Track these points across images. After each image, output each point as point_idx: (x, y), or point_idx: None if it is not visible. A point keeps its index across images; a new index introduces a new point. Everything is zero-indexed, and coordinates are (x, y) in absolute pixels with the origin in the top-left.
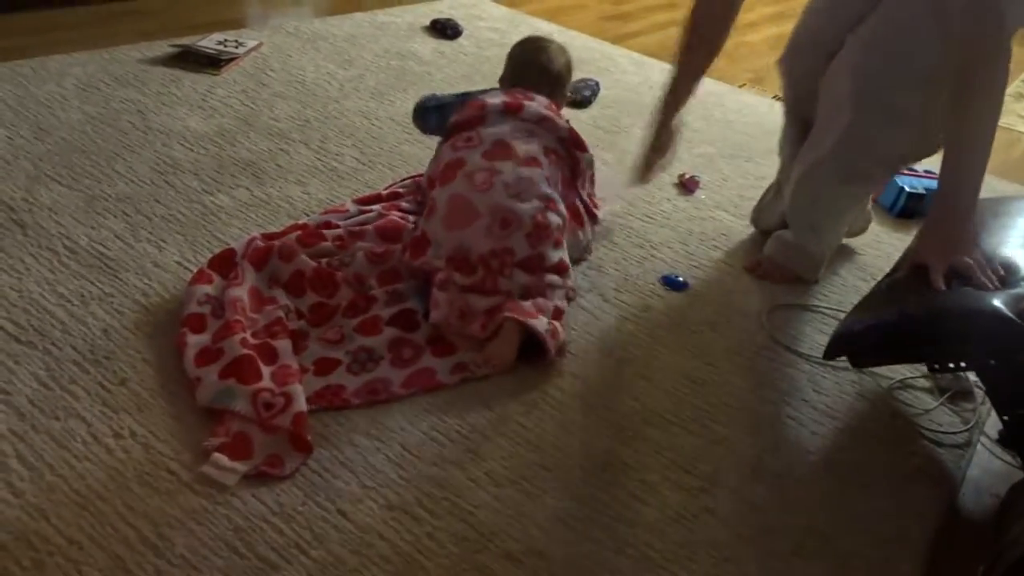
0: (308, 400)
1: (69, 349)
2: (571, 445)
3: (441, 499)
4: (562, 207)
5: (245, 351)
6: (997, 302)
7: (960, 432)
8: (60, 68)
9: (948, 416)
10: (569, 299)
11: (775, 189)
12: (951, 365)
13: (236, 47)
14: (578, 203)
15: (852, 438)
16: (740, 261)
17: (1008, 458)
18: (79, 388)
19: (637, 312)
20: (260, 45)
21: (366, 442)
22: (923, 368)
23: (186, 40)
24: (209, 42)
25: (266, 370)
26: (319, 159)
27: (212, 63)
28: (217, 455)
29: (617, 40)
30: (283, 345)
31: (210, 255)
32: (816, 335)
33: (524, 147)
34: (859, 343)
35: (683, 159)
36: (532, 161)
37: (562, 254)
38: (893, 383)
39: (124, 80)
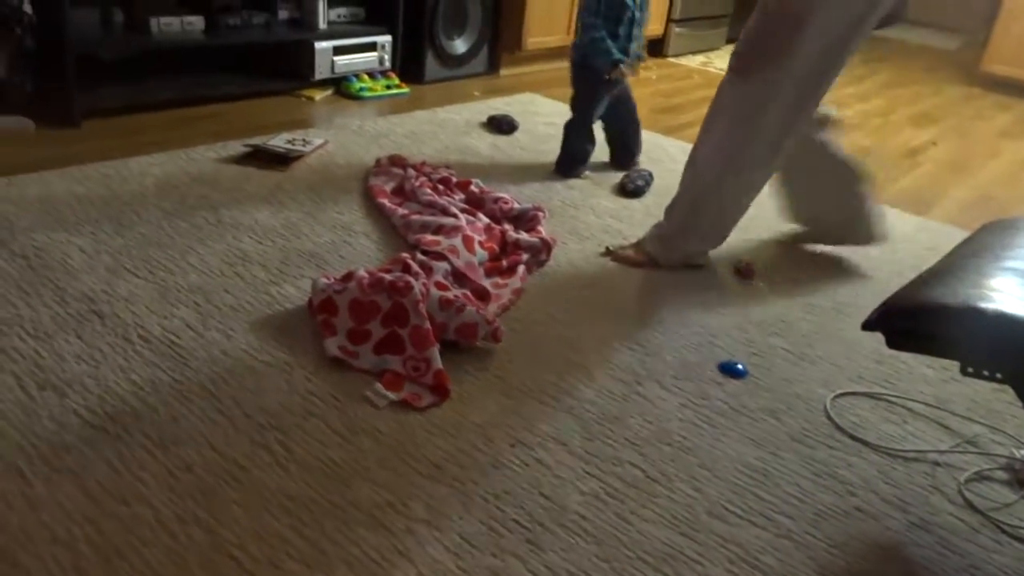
0: (457, 333)
1: (139, 435)
2: (631, 537)
3: None
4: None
5: (386, 331)
6: None
7: None
8: (141, 168)
9: None
10: None
11: None
12: (985, 373)
13: (304, 145)
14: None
15: (927, 533)
16: (800, 347)
17: None
18: (147, 474)
19: (696, 399)
20: (326, 143)
21: (424, 531)
22: (1000, 460)
23: (257, 139)
24: (279, 141)
25: (404, 334)
26: (380, 250)
27: (281, 160)
28: (377, 385)
29: (668, 132)
30: (410, 300)
31: (275, 343)
32: (882, 424)
33: None
34: (907, 323)
35: (738, 247)
36: None
37: None
38: (968, 475)
39: (199, 178)
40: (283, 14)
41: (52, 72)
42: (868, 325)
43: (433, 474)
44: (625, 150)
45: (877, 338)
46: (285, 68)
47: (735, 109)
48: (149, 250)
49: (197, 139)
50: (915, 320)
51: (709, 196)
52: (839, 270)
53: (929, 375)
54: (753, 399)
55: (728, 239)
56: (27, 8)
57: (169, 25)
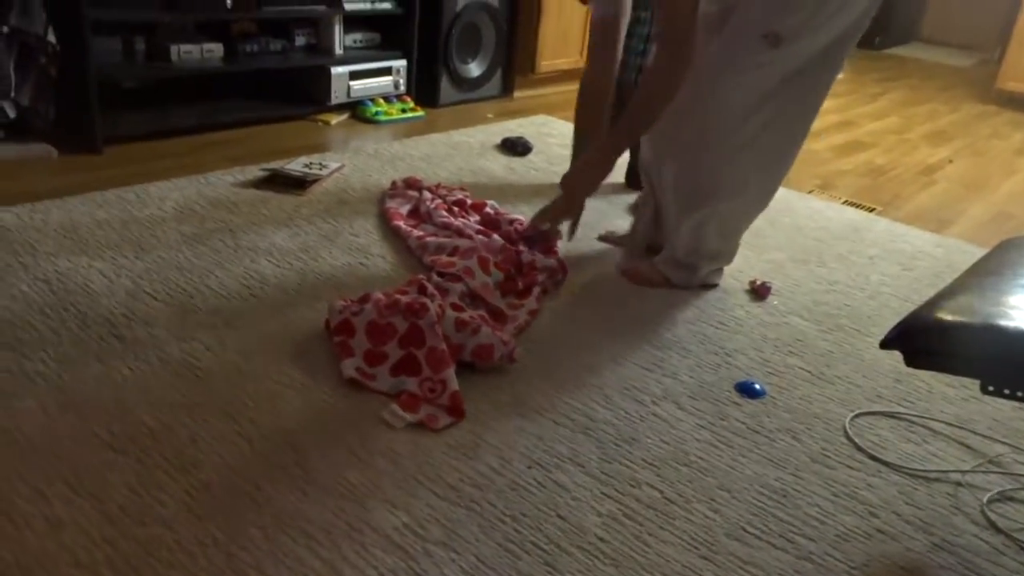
0: (473, 354)
1: (158, 456)
2: (649, 559)
3: None
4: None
5: (403, 352)
6: None
7: None
8: (161, 193)
9: None
10: None
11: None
12: (1007, 391)
13: (320, 169)
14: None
15: (950, 555)
16: (818, 367)
17: None
18: (166, 495)
19: (713, 420)
20: (342, 167)
21: (441, 553)
22: (1023, 480)
23: (275, 164)
24: (296, 165)
25: (420, 356)
26: (396, 272)
27: (298, 184)
28: (394, 406)
29: None
30: (426, 322)
31: (292, 365)
32: (903, 443)
33: None
34: (927, 341)
35: (754, 266)
36: None
37: None
38: (992, 495)
39: (218, 202)
40: (300, 40)
41: (75, 100)
42: (887, 344)
43: (450, 496)
44: (638, 170)
45: (896, 357)
46: (302, 93)
47: (719, 123)
48: (169, 273)
49: (216, 164)
50: (934, 338)
51: (709, 217)
52: (855, 288)
53: (949, 394)
54: (771, 419)
55: (744, 258)
56: (51, 37)
57: (189, 53)
